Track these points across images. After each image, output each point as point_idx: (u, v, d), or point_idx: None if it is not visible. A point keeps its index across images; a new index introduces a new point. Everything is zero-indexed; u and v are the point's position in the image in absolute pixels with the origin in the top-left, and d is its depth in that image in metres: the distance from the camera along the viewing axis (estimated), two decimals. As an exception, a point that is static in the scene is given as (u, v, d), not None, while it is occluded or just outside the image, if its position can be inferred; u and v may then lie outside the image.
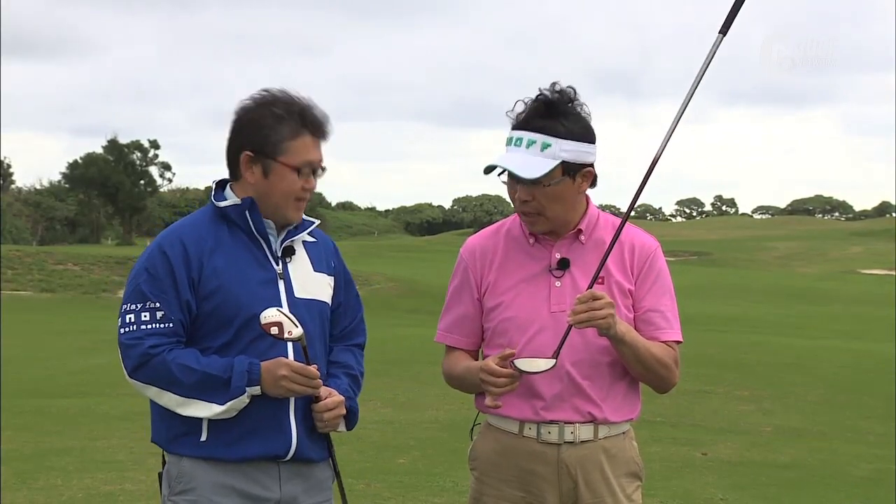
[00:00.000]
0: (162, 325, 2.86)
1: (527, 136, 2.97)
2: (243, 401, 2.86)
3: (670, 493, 7.32)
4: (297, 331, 2.84)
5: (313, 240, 3.12)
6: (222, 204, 2.98)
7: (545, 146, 2.95)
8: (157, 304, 2.87)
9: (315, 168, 2.98)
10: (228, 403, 2.84)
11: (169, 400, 2.87)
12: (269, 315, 2.84)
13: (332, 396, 2.98)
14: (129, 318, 2.87)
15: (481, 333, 3.15)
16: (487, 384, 2.92)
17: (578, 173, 3.01)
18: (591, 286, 2.91)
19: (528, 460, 3.04)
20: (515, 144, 2.98)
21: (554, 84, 3.00)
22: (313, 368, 2.89)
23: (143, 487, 6.98)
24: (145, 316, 2.86)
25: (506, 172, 3.02)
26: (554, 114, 2.97)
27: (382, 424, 9.95)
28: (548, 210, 3.00)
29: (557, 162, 2.95)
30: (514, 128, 3.01)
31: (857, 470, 8.54)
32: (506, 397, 2.97)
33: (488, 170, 3.01)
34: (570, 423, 3.01)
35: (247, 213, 2.95)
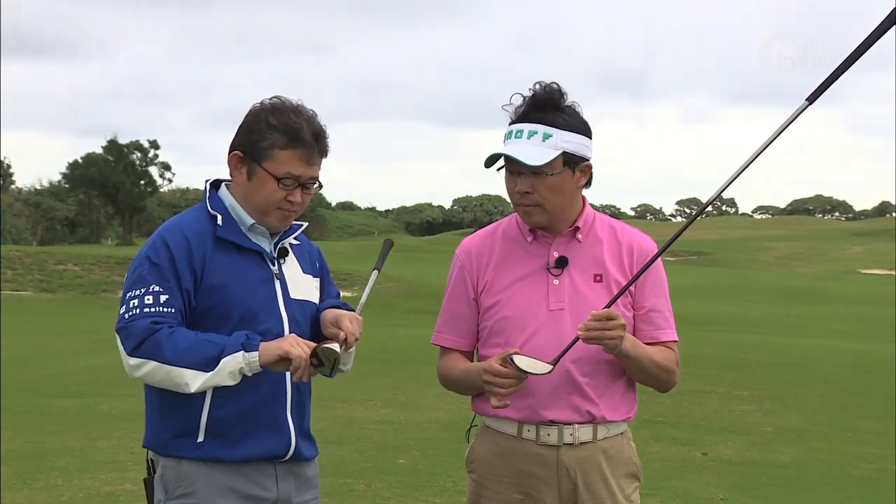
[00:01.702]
0: (164, 309, 2.83)
1: (527, 127, 2.99)
2: (237, 360, 2.77)
3: (670, 493, 7.32)
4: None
5: (297, 243, 3.13)
6: (221, 227, 2.96)
7: (546, 136, 2.97)
8: (160, 289, 2.85)
9: (302, 183, 2.96)
10: (222, 362, 2.76)
11: (166, 375, 2.78)
12: (335, 347, 2.84)
13: (342, 324, 2.94)
14: (133, 303, 2.84)
15: (477, 334, 3.15)
16: (491, 385, 2.93)
17: (578, 167, 3.03)
18: (608, 306, 2.92)
19: (527, 462, 3.04)
20: (516, 136, 3.00)
21: (542, 82, 3.02)
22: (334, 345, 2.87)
23: (143, 487, 6.97)
24: (148, 299, 2.84)
25: (504, 166, 3.03)
26: (552, 107, 3.01)
27: (382, 424, 9.95)
28: (547, 202, 3.01)
29: (559, 152, 2.97)
30: (514, 121, 3.03)
31: (857, 470, 8.54)
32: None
33: (490, 161, 3.02)
34: (570, 424, 3.02)
35: (232, 234, 2.96)
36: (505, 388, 2.91)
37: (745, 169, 2.82)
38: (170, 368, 2.78)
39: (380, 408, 11.04)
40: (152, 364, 2.79)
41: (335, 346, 2.83)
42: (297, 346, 2.80)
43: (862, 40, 2.64)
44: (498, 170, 3.05)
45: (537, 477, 3.03)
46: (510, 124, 3.04)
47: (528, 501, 3.04)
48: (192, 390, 2.78)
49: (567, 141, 2.98)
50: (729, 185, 2.86)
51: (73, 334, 21.02)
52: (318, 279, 3.15)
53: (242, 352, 2.78)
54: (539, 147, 2.97)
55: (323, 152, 2.99)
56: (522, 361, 2.87)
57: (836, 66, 2.66)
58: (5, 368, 13.85)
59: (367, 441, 8.95)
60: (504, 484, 3.06)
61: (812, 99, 2.70)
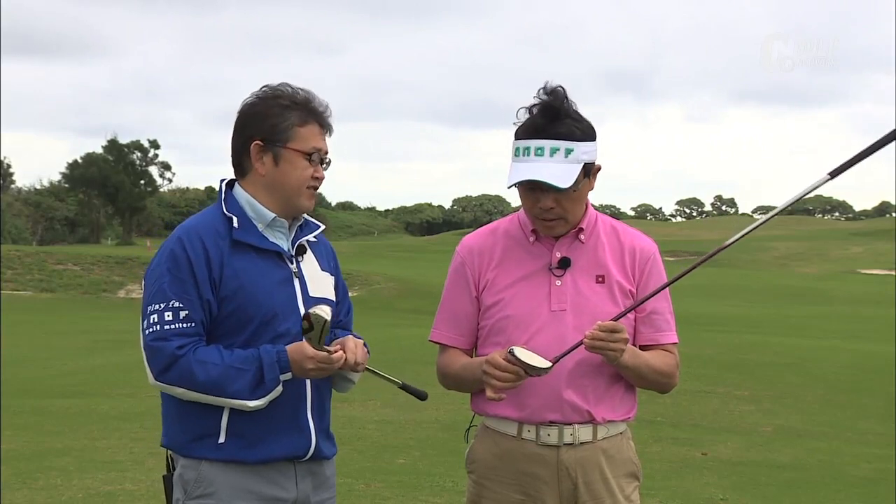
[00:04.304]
0: (185, 325, 2.85)
1: (549, 144, 2.94)
2: (279, 391, 2.88)
3: (670, 493, 7.32)
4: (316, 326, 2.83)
5: (315, 240, 3.13)
6: (237, 230, 2.95)
7: (569, 152, 2.95)
8: (181, 304, 2.86)
9: (323, 157, 3.00)
10: (265, 399, 2.86)
11: (198, 398, 2.86)
12: (324, 312, 2.82)
13: (347, 343, 2.96)
14: (153, 319, 2.86)
15: (476, 332, 3.14)
16: (490, 377, 2.92)
17: (591, 172, 3.04)
18: (617, 319, 2.92)
19: (527, 463, 3.04)
20: (537, 154, 2.95)
21: (547, 86, 2.99)
22: (335, 355, 2.88)
23: (142, 487, 6.98)
24: (168, 316, 2.85)
25: (518, 182, 3.00)
26: (565, 116, 2.97)
27: (382, 424, 9.95)
28: (569, 213, 3.02)
29: (581, 165, 2.96)
30: (531, 136, 2.97)
31: (857, 470, 8.54)
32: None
33: (515, 184, 2.99)
34: (570, 424, 3.02)
35: (249, 236, 2.94)
36: (502, 383, 2.91)
37: (757, 227, 2.88)
38: (203, 396, 2.84)
39: (380, 408, 11.04)
40: (182, 389, 2.85)
41: (325, 312, 2.81)
42: (317, 369, 2.88)
43: None
44: (517, 185, 3.01)
45: (537, 477, 3.03)
46: (526, 138, 2.97)
47: (528, 501, 3.04)
48: (250, 408, 2.86)
49: (585, 152, 2.97)
50: (742, 238, 2.96)
51: (73, 334, 21.03)
52: (334, 277, 3.15)
53: (280, 386, 2.87)
54: (563, 164, 2.94)
55: (331, 127, 3.02)
56: (523, 354, 2.87)
57: (865, 147, 2.70)
58: (5, 368, 13.85)
59: (367, 441, 8.96)
60: (504, 484, 3.06)
61: (834, 174, 2.73)
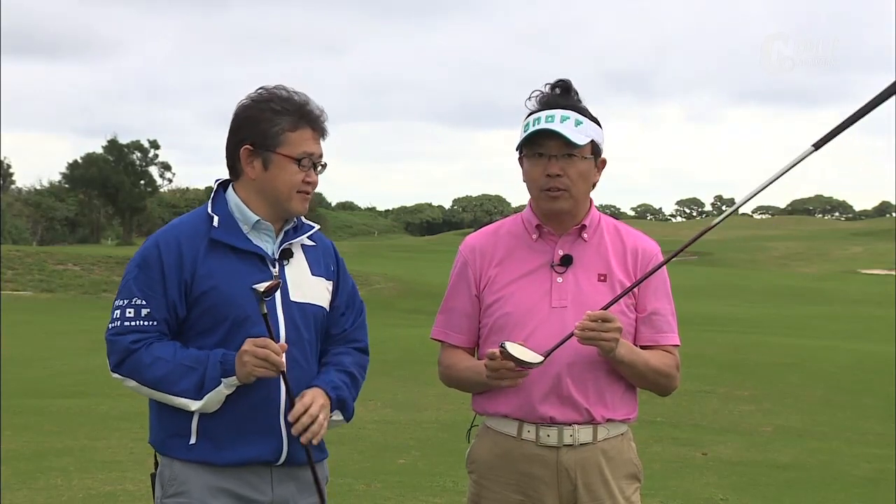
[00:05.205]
0: (145, 323, 2.88)
1: (559, 112, 3.03)
2: (221, 392, 2.84)
3: (670, 493, 7.32)
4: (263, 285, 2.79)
5: (312, 244, 3.10)
6: (216, 229, 2.94)
7: (578, 122, 3.02)
8: (143, 302, 2.88)
9: (315, 162, 2.98)
10: (206, 398, 2.84)
11: (150, 394, 2.89)
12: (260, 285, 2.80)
13: (304, 398, 2.91)
14: (116, 314, 2.91)
15: (478, 331, 3.15)
16: (490, 369, 2.93)
17: (598, 159, 3.09)
18: (607, 307, 2.93)
19: (527, 463, 3.04)
20: (547, 120, 3.02)
21: (557, 81, 3.09)
22: (273, 344, 2.81)
23: (143, 487, 6.97)
24: (130, 312, 2.89)
25: (526, 153, 3.05)
26: (575, 100, 3.07)
27: (382, 424, 9.95)
28: (573, 188, 3.03)
29: (590, 139, 3.03)
30: (542, 108, 3.05)
31: (857, 470, 8.54)
32: (503, 394, 2.99)
33: (527, 140, 3.03)
34: (569, 425, 3.02)
35: (228, 236, 2.93)
36: (502, 379, 2.92)
37: (743, 204, 2.91)
38: (153, 392, 2.88)
39: (380, 408, 11.04)
40: (134, 383, 2.89)
41: (263, 286, 2.78)
42: (260, 367, 2.81)
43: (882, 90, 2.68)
44: (521, 151, 3.07)
45: (537, 478, 3.03)
46: (538, 111, 3.05)
47: (528, 502, 3.04)
48: (192, 410, 2.86)
49: (593, 130, 3.05)
50: (726, 218, 3.02)
51: (73, 334, 21.00)
52: (332, 281, 3.10)
53: (222, 385, 2.84)
54: (573, 130, 3.00)
55: (325, 131, 3.01)
56: (515, 349, 2.88)
57: (847, 116, 2.72)
58: (5, 368, 13.83)
59: (366, 441, 8.96)
60: (504, 484, 3.06)
61: (818, 145, 2.76)
